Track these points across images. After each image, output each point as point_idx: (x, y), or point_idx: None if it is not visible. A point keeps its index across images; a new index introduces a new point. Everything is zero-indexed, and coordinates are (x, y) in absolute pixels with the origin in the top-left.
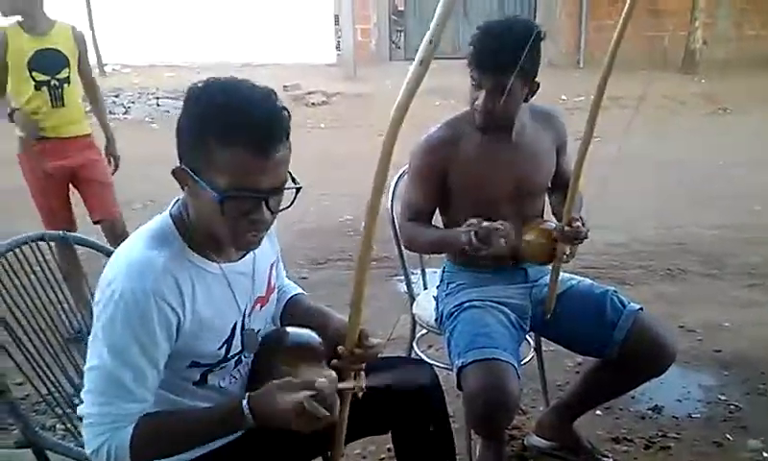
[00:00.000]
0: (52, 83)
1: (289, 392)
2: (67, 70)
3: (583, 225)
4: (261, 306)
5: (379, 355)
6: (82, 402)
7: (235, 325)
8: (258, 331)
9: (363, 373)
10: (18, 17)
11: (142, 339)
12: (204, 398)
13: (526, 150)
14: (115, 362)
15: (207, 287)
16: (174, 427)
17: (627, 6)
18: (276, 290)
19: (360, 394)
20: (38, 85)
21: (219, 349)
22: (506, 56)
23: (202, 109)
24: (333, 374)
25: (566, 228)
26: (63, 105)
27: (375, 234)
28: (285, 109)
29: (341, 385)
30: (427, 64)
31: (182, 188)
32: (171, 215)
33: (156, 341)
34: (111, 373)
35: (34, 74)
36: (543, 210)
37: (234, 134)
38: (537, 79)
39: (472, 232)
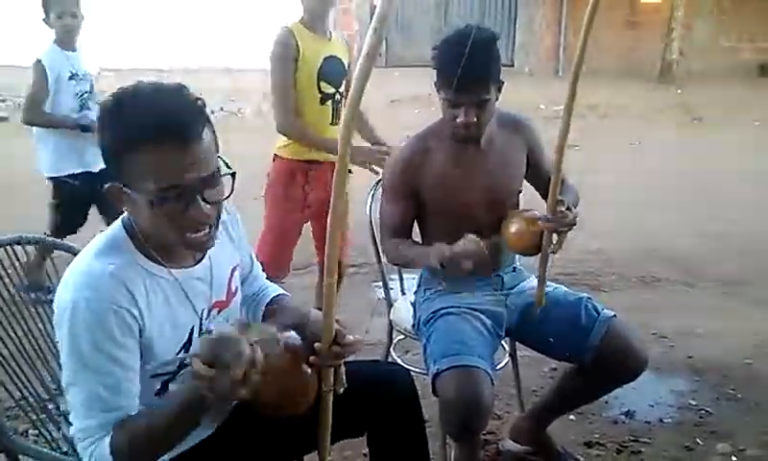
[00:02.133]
0: (335, 96)
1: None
2: (344, 83)
3: (569, 210)
4: (219, 310)
5: (356, 357)
6: (63, 416)
7: (192, 329)
8: None
9: (342, 369)
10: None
11: (105, 346)
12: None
13: (496, 157)
14: (85, 375)
15: (162, 293)
16: (147, 426)
17: (588, 10)
18: (239, 294)
19: (341, 390)
20: (324, 99)
21: (177, 353)
22: (479, 70)
23: (112, 123)
24: (295, 335)
25: (551, 214)
26: (337, 124)
27: (354, 242)
28: (199, 98)
29: (324, 388)
30: (373, 57)
31: (119, 205)
32: (123, 223)
33: (119, 344)
34: (84, 387)
35: (322, 85)
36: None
37: (147, 137)
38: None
39: (439, 262)
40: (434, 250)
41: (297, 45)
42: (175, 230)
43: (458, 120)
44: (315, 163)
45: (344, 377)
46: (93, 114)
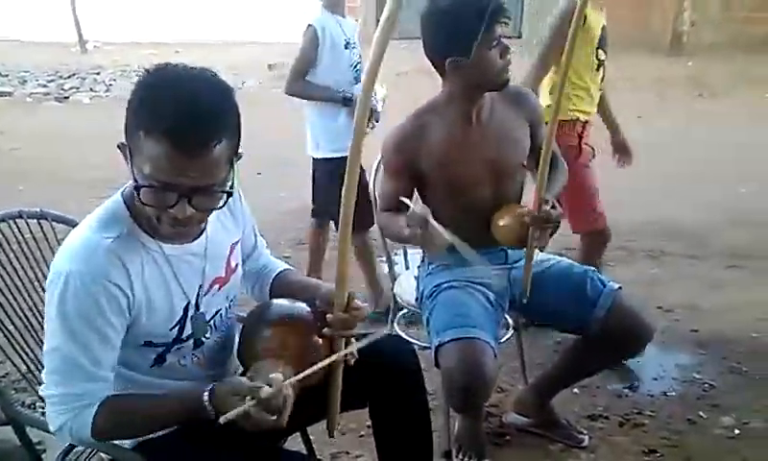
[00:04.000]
0: (605, 63)
1: (237, 396)
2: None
3: (554, 208)
4: (219, 287)
5: (361, 332)
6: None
7: (186, 307)
8: (217, 312)
9: (354, 339)
10: None
11: (93, 320)
12: (164, 375)
13: (496, 130)
14: (69, 344)
15: (158, 268)
16: (137, 411)
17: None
18: (239, 270)
19: (352, 361)
20: (599, 65)
21: (171, 329)
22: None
23: (141, 95)
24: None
25: (535, 212)
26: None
27: None
28: (231, 109)
29: (333, 357)
30: (393, 20)
31: (126, 163)
32: (123, 195)
33: (107, 320)
34: (67, 355)
35: (599, 52)
36: (522, 189)
37: (159, 127)
38: None
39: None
40: (402, 226)
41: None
42: (153, 215)
43: (508, 57)
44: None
45: (355, 348)
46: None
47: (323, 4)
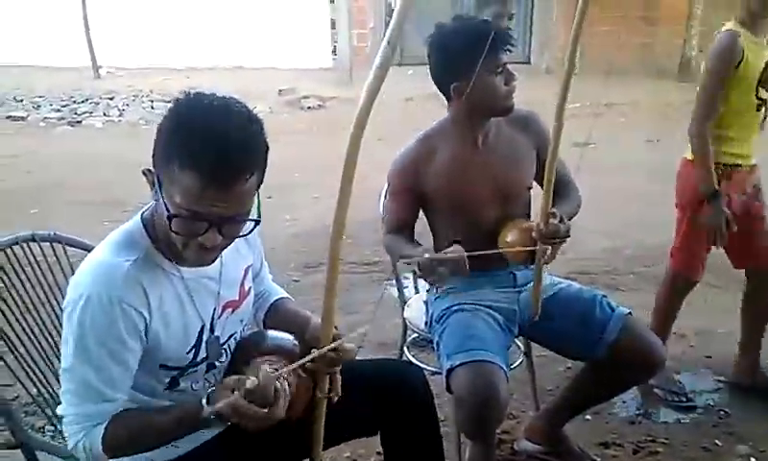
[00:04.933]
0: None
1: (226, 391)
2: None
3: (561, 222)
4: (233, 310)
5: (371, 357)
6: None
7: (202, 330)
8: (231, 336)
9: (338, 377)
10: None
11: (109, 343)
12: (176, 400)
13: (502, 154)
14: (84, 366)
15: (175, 291)
16: (141, 425)
17: (579, 8)
18: (252, 294)
19: (335, 398)
20: (760, 106)
21: (187, 353)
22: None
23: (174, 125)
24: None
25: (542, 226)
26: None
27: (368, 238)
28: (262, 142)
29: (319, 394)
30: (386, 67)
31: (151, 189)
32: (142, 218)
33: (124, 343)
34: (82, 376)
35: (761, 91)
36: (530, 211)
37: (194, 160)
38: None
39: (415, 266)
40: (414, 252)
41: (743, 51)
42: (180, 242)
43: (513, 84)
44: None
45: (338, 385)
46: None
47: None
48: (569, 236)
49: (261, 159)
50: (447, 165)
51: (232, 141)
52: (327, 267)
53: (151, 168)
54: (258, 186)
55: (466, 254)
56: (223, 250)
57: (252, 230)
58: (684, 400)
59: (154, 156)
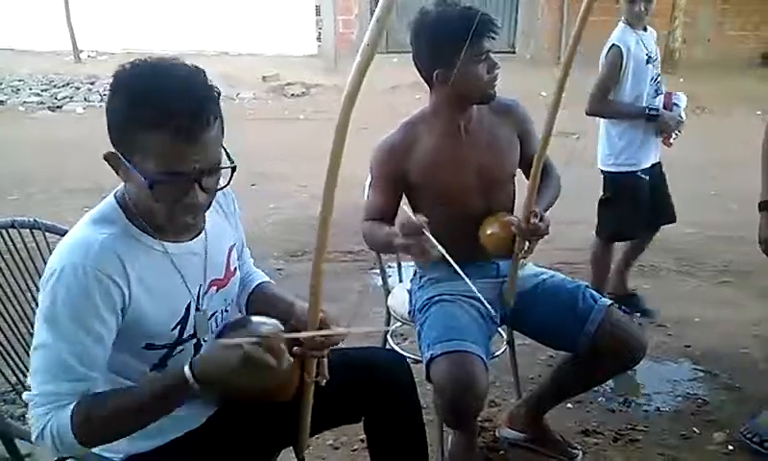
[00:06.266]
0: None
1: (233, 347)
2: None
3: (542, 220)
4: (218, 289)
5: (355, 346)
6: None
7: (189, 306)
8: (213, 314)
9: (326, 361)
10: None
11: (84, 316)
12: None
13: (485, 141)
14: (58, 341)
15: (156, 266)
16: (118, 402)
17: (584, 3)
18: (237, 274)
19: (323, 382)
20: None
21: (172, 330)
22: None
23: (126, 94)
24: (279, 325)
25: (523, 225)
26: None
27: (352, 227)
28: (213, 88)
29: (307, 378)
30: (375, 46)
31: (117, 173)
32: (115, 197)
33: (100, 317)
34: (54, 351)
35: None
36: (514, 198)
37: (157, 121)
38: None
39: (406, 237)
40: (390, 234)
41: None
42: (165, 211)
43: (495, 72)
44: None
45: (326, 369)
46: (660, 101)
47: (623, 20)
48: (548, 233)
49: (217, 103)
50: (431, 153)
51: (187, 93)
52: (315, 248)
53: (111, 150)
54: (222, 133)
55: (448, 255)
56: (206, 210)
57: (231, 178)
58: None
59: (111, 137)
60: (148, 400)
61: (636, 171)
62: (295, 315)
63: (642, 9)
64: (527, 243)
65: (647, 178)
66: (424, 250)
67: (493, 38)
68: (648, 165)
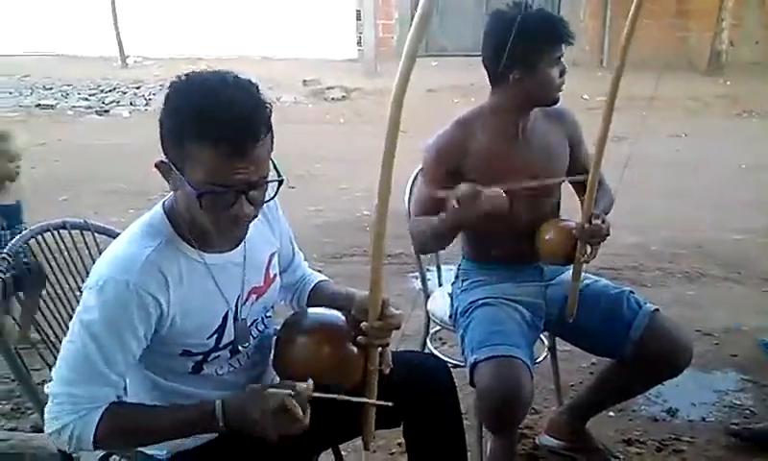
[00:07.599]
0: None
1: (266, 397)
2: None
3: (603, 222)
4: (257, 297)
5: (394, 350)
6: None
7: (226, 315)
8: (254, 322)
9: (389, 349)
10: None
11: (120, 329)
12: (199, 385)
13: (537, 144)
14: (90, 346)
15: (195, 277)
16: (143, 422)
17: (633, 6)
18: (277, 280)
19: (387, 370)
20: None
21: (208, 338)
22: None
23: (179, 107)
24: (340, 315)
25: (586, 226)
26: None
27: (390, 231)
28: (265, 103)
29: (370, 367)
30: (420, 39)
31: (167, 181)
32: (164, 207)
33: (133, 331)
34: (86, 354)
35: None
36: (560, 205)
37: (209, 134)
38: None
39: (455, 198)
40: (441, 217)
41: None
42: (212, 221)
43: (563, 78)
44: None
45: (389, 357)
46: None
47: None
48: (609, 235)
49: (269, 117)
50: (486, 153)
51: (240, 106)
52: (373, 236)
53: (163, 159)
54: (271, 146)
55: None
56: (251, 221)
57: (277, 191)
58: None
59: (163, 146)
60: (170, 425)
61: None
62: (355, 305)
63: None
64: (588, 247)
65: None
66: (491, 199)
67: (571, 44)
68: None
